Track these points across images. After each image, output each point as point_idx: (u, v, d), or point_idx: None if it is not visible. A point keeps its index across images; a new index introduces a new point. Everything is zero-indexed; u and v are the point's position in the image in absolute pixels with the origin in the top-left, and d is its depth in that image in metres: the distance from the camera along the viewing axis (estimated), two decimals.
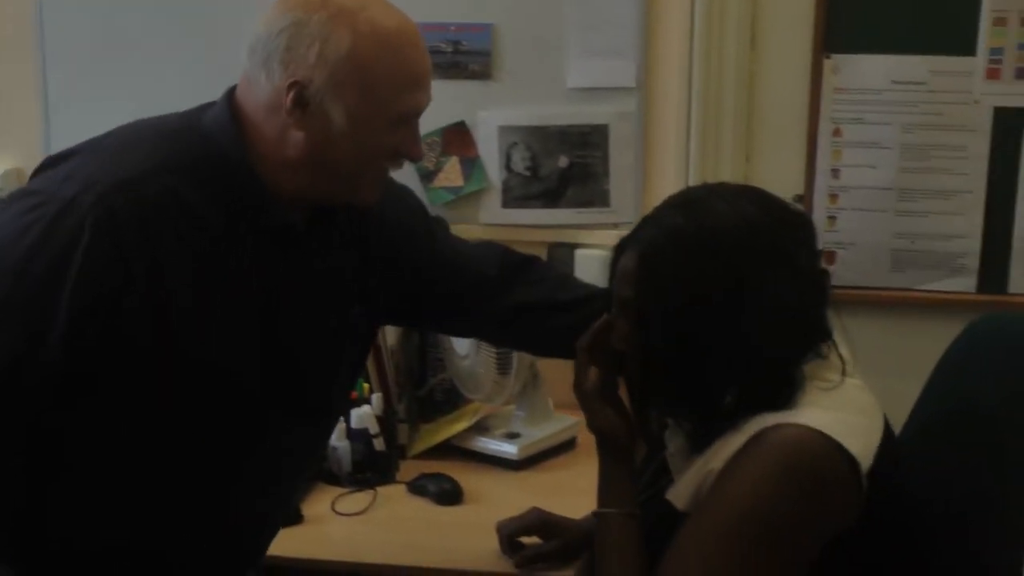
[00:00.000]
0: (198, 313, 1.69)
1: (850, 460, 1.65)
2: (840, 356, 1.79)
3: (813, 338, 1.76)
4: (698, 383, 1.75)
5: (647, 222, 1.81)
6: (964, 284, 2.84)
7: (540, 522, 2.22)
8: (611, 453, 1.91)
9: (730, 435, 1.70)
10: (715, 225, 1.72)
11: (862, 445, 1.67)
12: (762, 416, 1.69)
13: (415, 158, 1.83)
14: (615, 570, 1.82)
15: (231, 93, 1.78)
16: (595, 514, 1.89)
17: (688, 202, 1.80)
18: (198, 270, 1.69)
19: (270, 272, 1.78)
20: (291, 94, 1.69)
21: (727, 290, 1.70)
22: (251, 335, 1.77)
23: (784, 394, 1.70)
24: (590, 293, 2.13)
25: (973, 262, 2.84)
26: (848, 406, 1.72)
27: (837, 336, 1.83)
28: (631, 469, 1.92)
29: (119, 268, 1.62)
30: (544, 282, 2.14)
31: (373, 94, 1.71)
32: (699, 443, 1.78)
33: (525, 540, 2.23)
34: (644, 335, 1.78)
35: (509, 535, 2.23)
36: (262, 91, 1.72)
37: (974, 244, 2.83)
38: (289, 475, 2.02)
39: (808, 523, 1.66)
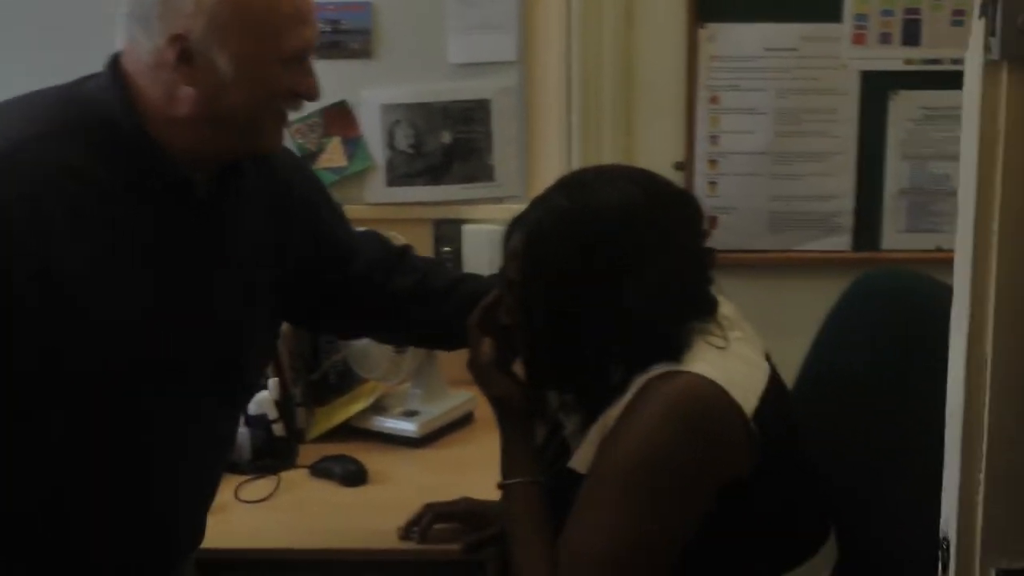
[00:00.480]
0: (99, 280, 1.64)
1: (735, 406, 1.71)
2: (718, 317, 1.84)
3: (695, 313, 1.81)
4: (581, 361, 1.80)
5: (535, 203, 1.85)
6: (839, 243, 2.93)
7: (469, 512, 2.23)
8: (510, 421, 1.95)
9: (621, 396, 1.76)
10: (598, 207, 1.77)
11: (743, 391, 1.73)
12: (648, 370, 1.74)
13: (313, 96, 1.79)
14: (525, 538, 1.85)
15: (115, 59, 1.73)
16: (500, 486, 1.92)
17: (575, 184, 1.85)
18: (94, 236, 1.64)
19: (178, 237, 1.75)
20: (174, 49, 1.66)
21: (606, 270, 1.75)
22: (155, 298, 1.72)
23: (670, 354, 1.75)
24: (459, 277, 2.18)
25: (847, 221, 2.93)
26: (730, 357, 1.77)
27: (720, 298, 1.88)
28: (532, 437, 1.95)
29: (5, 238, 1.58)
30: (419, 271, 2.15)
31: (256, 34, 1.68)
32: (594, 414, 1.82)
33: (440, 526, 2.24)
34: (527, 314, 1.82)
35: (435, 516, 2.23)
36: (144, 52, 1.68)
37: (847, 204, 2.92)
38: (218, 458, 2.00)
39: (702, 468, 1.71)
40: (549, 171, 2.93)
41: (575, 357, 1.80)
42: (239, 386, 1.98)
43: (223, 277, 1.82)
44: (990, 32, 1.30)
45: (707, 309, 1.83)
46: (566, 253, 1.77)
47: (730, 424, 1.72)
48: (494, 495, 2.19)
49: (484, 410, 2.72)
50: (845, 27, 2.83)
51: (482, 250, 2.90)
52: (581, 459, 1.80)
